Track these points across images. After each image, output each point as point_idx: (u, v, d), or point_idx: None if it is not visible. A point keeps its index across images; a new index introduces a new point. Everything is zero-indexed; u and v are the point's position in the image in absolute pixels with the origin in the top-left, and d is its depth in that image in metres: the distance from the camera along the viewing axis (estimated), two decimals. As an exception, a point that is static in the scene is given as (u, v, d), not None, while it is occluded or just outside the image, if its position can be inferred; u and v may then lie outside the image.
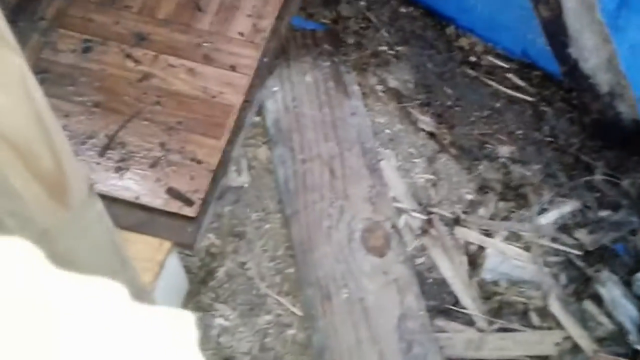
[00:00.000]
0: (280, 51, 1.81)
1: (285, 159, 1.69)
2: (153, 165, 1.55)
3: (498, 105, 1.81)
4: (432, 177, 1.75)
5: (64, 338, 0.42)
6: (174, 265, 1.51)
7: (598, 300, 1.62)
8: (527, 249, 1.66)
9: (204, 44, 1.68)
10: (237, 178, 1.70)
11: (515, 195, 1.72)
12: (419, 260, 1.66)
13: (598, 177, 1.72)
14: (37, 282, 0.44)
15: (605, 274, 1.65)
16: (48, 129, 0.71)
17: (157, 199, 1.50)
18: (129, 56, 1.65)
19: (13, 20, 1.65)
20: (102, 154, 1.56)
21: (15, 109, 0.65)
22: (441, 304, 1.61)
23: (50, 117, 0.71)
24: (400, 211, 1.69)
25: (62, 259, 0.83)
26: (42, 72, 1.61)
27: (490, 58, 1.87)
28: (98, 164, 1.54)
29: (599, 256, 1.66)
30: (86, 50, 1.65)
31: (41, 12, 1.68)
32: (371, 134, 1.75)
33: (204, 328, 1.54)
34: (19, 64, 0.63)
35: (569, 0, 1.53)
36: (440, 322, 1.59)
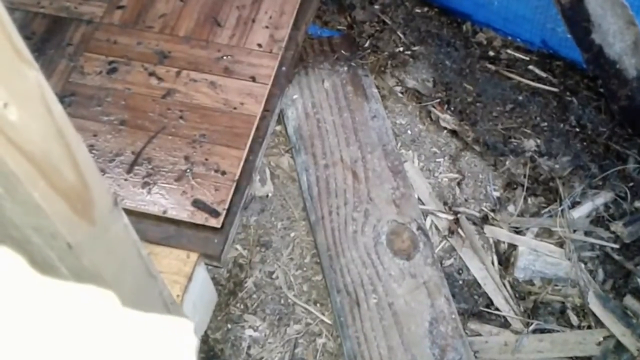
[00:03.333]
0: (298, 60, 1.94)
1: (308, 165, 1.81)
2: (178, 179, 1.68)
3: (521, 98, 1.87)
4: (456, 175, 1.83)
5: (52, 344, 0.47)
6: (202, 277, 1.63)
7: (640, 295, 1.66)
8: (560, 244, 1.71)
9: (224, 57, 1.84)
10: (262, 188, 1.83)
11: (544, 189, 1.77)
12: (448, 262, 1.73)
13: (631, 165, 1.75)
14: (23, 289, 0.47)
15: (646, 267, 1.68)
16: (69, 143, 0.76)
17: (184, 212, 1.63)
18: (152, 74, 1.81)
19: (42, 48, 1.85)
20: (129, 170, 1.71)
21: (34, 122, 0.68)
22: (473, 307, 1.67)
23: (71, 131, 0.76)
24: (425, 212, 1.77)
25: (88, 273, 0.93)
26: (71, 95, 1.79)
27: (510, 51, 1.95)
28: (126, 180, 1.68)
29: (637, 248, 1.69)
30: (111, 71, 1.82)
31: (68, 38, 1.86)
32: (392, 135, 1.85)
33: (234, 340, 1.65)
34: (36, 77, 0.67)
35: (588, -15, 1.60)
36: (474, 325, 1.64)
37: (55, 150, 0.74)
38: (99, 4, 1.93)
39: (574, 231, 1.72)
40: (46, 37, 1.86)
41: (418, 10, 2.01)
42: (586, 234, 1.72)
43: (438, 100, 1.89)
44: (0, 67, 0.61)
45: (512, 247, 1.72)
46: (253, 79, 1.80)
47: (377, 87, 1.92)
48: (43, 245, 0.81)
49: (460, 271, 1.72)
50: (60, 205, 0.77)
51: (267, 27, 1.88)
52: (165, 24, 1.89)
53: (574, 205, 1.75)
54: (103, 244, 0.91)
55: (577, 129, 1.83)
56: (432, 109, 1.89)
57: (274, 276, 1.72)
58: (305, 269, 1.73)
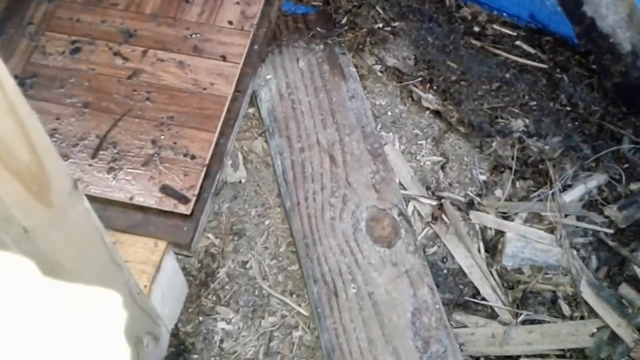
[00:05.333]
0: (272, 37, 1.89)
1: (283, 149, 1.76)
2: (145, 164, 1.64)
3: (508, 76, 1.82)
4: (440, 158, 1.78)
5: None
6: (171, 267, 1.58)
7: (636, 283, 1.59)
8: (551, 230, 1.65)
9: (193, 36, 1.78)
10: (234, 173, 1.78)
11: (533, 172, 1.72)
12: (431, 250, 1.68)
13: (625, 146, 1.71)
14: None
15: (642, 253, 1.63)
16: (23, 121, 0.73)
17: (151, 198, 1.59)
18: (117, 54, 1.76)
19: (2, 27, 1.79)
20: (94, 155, 1.66)
21: None
22: (459, 296, 1.62)
23: (25, 108, 0.73)
24: (407, 197, 1.72)
25: (47, 260, 0.89)
26: (32, 76, 1.73)
27: (496, 26, 1.89)
28: (90, 165, 1.64)
29: (633, 234, 1.63)
30: (74, 51, 1.77)
31: (29, 17, 1.81)
32: (372, 117, 1.79)
33: (206, 333, 1.60)
34: None
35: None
36: (459, 316, 1.60)
37: (7, 127, 0.71)
38: (62, -19, 1.88)
39: (566, 216, 1.67)
40: (6, 16, 1.81)
41: (398, -16, 1.96)
42: (578, 218, 1.67)
43: (420, 79, 1.84)
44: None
45: (500, 233, 1.67)
46: (224, 58, 1.75)
47: (355, 66, 1.87)
48: (-3, 230, 0.79)
49: (445, 259, 1.66)
50: (14, 186, 0.75)
51: (238, 3, 1.83)
52: (130, 1, 1.84)
53: (565, 188, 1.70)
54: (62, 229, 0.89)
55: (568, 108, 1.78)
56: (414, 88, 1.84)
57: (247, 266, 1.67)
58: (280, 258, 1.68)
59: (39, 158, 0.77)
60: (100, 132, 1.67)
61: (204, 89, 1.71)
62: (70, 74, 1.74)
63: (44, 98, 1.70)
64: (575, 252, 1.64)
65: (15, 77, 1.71)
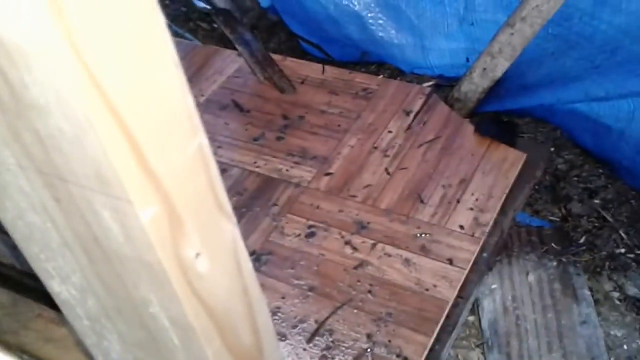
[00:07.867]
0: (502, 247, 1.88)
1: (501, 366, 1.68)
2: (357, 357, 1.65)
3: None
4: (688, 412, 1.56)
5: None
6: None
7: None
8: None
9: (422, 235, 1.84)
10: (444, 382, 1.71)
11: None
12: None
13: None
14: None
15: None
16: (252, 304, 0.76)
17: (358, 396, 1.58)
18: (348, 243, 1.87)
19: (250, 205, 2.02)
20: (310, 340, 1.71)
21: (222, 277, 0.69)
22: None
23: (257, 291, 0.76)
24: None
25: None
26: (268, 253, 1.90)
27: None
28: (304, 350, 1.68)
29: None
30: (309, 235, 1.92)
31: (275, 199, 2.02)
32: (604, 348, 1.65)
33: None
34: (232, 231, 0.68)
35: None
36: None
37: (238, 309, 0.74)
38: (309, 169, 2.08)
39: None
40: (256, 195, 2.04)
41: (646, 209, 1.87)
42: None
43: (666, 315, 1.68)
44: (199, 216, 0.62)
45: None
46: (450, 262, 1.76)
47: (590, 290, 1.77)
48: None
49: None
50: (232, 368, 0.76)
51: (472, 209, 1.87)
52: (368, 195, 1.97)
53: None
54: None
55: None
56: (658, 324, 1.68)
57: None
58: None
59: (259, 342, 0.77)
60: (319, 317, 1.72)
61: (426, 290, 1.72)
62: (302, 256, 1.86)
63: (275, 276, 1.83)
64: None
65: (253, 252, 1.88)
